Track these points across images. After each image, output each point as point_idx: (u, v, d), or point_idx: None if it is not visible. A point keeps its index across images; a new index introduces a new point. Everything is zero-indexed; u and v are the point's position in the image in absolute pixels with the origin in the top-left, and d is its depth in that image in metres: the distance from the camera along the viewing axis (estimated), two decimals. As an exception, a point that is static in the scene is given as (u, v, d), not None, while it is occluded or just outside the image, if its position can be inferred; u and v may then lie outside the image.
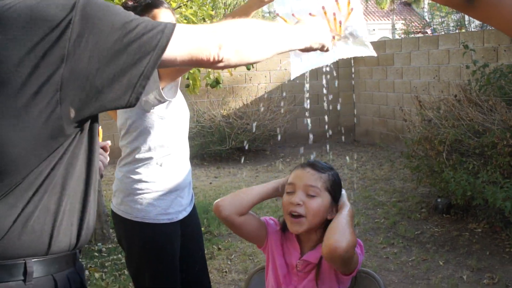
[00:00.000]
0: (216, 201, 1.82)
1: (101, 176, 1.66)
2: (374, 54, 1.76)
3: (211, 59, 1.19)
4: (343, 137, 9.61)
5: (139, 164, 2.23)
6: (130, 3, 2.17)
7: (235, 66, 1.30)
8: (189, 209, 2.36)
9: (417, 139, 5.26)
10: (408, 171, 5.89)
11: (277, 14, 1.79)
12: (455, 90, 5.74)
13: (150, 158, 2.22)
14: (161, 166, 2.24)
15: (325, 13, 1.71)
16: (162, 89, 2.10)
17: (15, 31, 1.06)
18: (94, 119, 1.21)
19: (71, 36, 1.05)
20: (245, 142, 8.25)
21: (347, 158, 8.20)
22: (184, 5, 4.14)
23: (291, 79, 1.80)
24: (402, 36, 16.53)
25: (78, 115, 1.10)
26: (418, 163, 5.24)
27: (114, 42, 1.08)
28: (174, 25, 1.16)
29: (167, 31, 1.13)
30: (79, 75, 1.06)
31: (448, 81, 7.42)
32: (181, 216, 2.30)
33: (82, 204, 1.22)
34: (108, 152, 1.73)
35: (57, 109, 1.07)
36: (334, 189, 1.74)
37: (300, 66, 1.79)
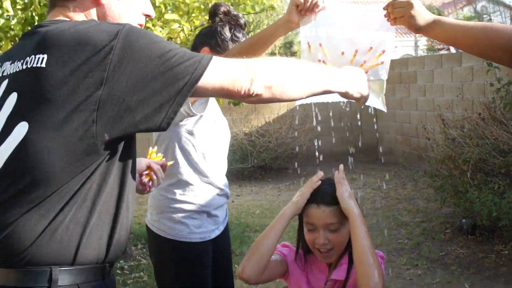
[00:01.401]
0: (239, 272, 1.76)
1: (149, 191, 1.75)
2: (384, 109, 1.85)
3: (242, 93, 1.24)
4: (365, 156, 9.55)
5: (172, 181, 2.24)
6: (221, 16, 2.28)
7: (268, 102, 1.34)
8: (222, 228, 2.38)
9: (440, 158, 5.20)
10: (432, 191, 5.81)
11: (308, 43, 1.80)
12: (479, 108, 5.68)
13: (182, 175, 2.23)
14: (193, 185, 2.24)
15: (354, 55, 1.75)
16: (192, 103, 2.12)
17: (63, 53, 1.16)
18: (130, 139, 1.27)
19: (111, 61, 1.13)
20: (267, 160, 8.25)
21: (370, 177, 8.14)
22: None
23: (296, 105, 1.83)
24: (425, 53, 16.48)
25: (111, 134, 1.16)
26: (442, 183, 5.17)
27: (152, 69, 1.15)
28: (210, 57, 1.22)
29: (203, 62, 1.20)
30: (116, 97, 1.14)
31: (472, 99, 7.33)
32: (214, 234, 2.31)
33: (113, 220, 1.26)
34: (165, 172, 1.82)
35: (92, 128, 1.14)
36: None
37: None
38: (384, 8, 1.73)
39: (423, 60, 8.77)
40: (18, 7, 3.93)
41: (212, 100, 2.36)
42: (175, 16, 3.62)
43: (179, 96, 1.18)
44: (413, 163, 8.57)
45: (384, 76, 1.83)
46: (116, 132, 1.17)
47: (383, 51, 1.79)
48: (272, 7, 4.43)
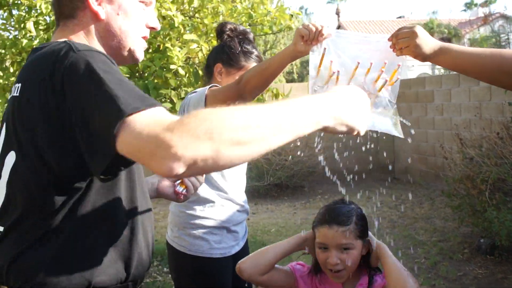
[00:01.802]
0: (239, 262, 1.85)
1: (185, 200, 1.70)
2: (402, 136, 1.77)
3: (165, 170, 0.94)
4: (381, 174, 9.51)
5: (192, 198, 2.24)
6: (228, 33, 2.33)
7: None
8: (242, 244, 2.39)
9: (458, 178, 5.17)
10: (449, 210, 5.76)
11: (337, 72, 1.78)
12: (497, 128, 5.64)
13: (201, 193, 2.25)
14: (214, 202, 2.27)
15: (368, 69, 1.74)
16: None
17: (30, 81, 1.20)
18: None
19: (61, 90, 1.12)
20: (283, 178, 8.25)
21: (386, 195, 8.09)
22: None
23: None
24: (442, 72, 16.42)
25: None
26: (460, 202, 5.13)
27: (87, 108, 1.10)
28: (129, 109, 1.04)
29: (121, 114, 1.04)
30: (73, 124, 1.11)
31: (490, 118, 7.29)
32: (234, 250, 2.33)
33: (129, 239, 1.26)
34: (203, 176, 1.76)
35: (74, 151, 1.12)
36: (363, 231, 1.77)
37: None
38: (389, 39, 1.72)
39: (440, 79, 8.76)
40: (41, 27, 4.03)
41: None
42: (193, 36, 3.68)
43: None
44: (430, 182, 8.51)
45: (391, 100, 1.81)
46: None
47: (399, 66, 1.76)
48: (290, 28, 4.48)
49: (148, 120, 0.98)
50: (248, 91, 1.97)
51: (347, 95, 1.11)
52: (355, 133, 1.11)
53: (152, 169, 0.95)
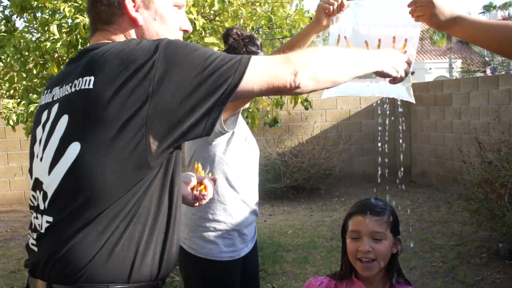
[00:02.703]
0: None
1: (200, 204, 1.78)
2: (413, 101, 1.85)
3: (288, 86, 1.27)
4: (398, 178, 9.47)
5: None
6: (234, 36, 2.37)
7: (313, 91, 1.36)
8: (250, 246, 2.41)
9: (476, 182, 5.15)
10: (467, 214, 5.74)
11: (340, 36, 1.87)
12: (517, 132, 5.60)
13: (215, 194, 2.27)
14: (225, 204, 2.29)
15: (378, 46, 1.80)
16: (225, 121, 2.18)
17: (108, 73, 1.21)
18: (177, 154, 1.31)
19: (155, 75, 1.18)
20: (300, 180, 8.26)
21: (403, 199, 8.07)
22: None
23: (321, 97, 1.88)
24: (460, 75, 16.31)
25: (161, 146, 1.21)
26: (478, 206, 5.11)
27: (195, 77, 1.20)
28: (250, 56, 1.25)
29: (243, 60, 1.24)
30: (163, 109, 1.18)
31: (509, 122, 7.24)
32: (243, 253, 2.35)
33: (164, 236, 1.30)
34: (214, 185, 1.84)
35: (142, 142, 1.19)
36: (395, 226, 1.78)
37: (335, 89, 1.85)
38: (408, 5, 1.76)
39: (459, 83, 8.71)
40: (64, 30, 4.09)
41: (241, 119, 2.42)
42: (214, 40, 3.72)
43: (223, 95, 1.22)
44: (447, 186, 8.46)
45: (408, 79, 1.85)
46: (165, 142, 1.21)
47: (406, 40, 1.81)
48: (309, 31, 4.50)
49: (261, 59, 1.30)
50: None
51: (392, 51, 1.57)
52: (398, 79, 1.55)
53: (286, 85, 1.27)
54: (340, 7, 1.87)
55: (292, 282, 4.60)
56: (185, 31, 1.47)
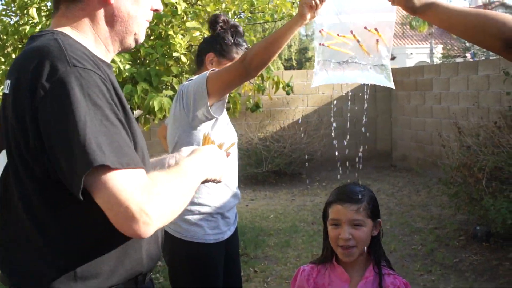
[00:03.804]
0: None
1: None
2: (393, 86, 1.88)
3: (133, 231, 1.11)
4: (379, 161, 9.56)
5: None
6: (221, 24, 2.42)
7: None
8: (233, 229, 2.45)
9: (455, 166, 5.23)
10: (446, 198, 5.83)
11: (321, 30, 1.90)
12: (495, 117, 5.69)
13: None
14: (209, 187, 2.31)
15: (354, 36, 1.84)
16: (210, 106, 2.20)
17: (17, 77, 1.20)
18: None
19: (34, 100, 1.13)
20: (281, 165, 8.30)
21: (384, 183, 8.16)
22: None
23: (311, 87, 1.91)
24: (441, 60, 16.45)
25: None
26: (457, 190, 5.19)
27: (58, 135, 1.12)
28: (108, 163, 1.10)
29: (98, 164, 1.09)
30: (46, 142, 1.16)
31: (488, 107, 7.34)
32: (226, 236, 2.39)
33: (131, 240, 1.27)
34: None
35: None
36: (374, 212, 1.82)
37: (324, 77, 1.91)
38: None
39: (439, 68, 8.79)
40: (43, 14, 4.03)
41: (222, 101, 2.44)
42: (196, 24, 3.70)
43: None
44: (427, 170, 8.58)
45: (384, 57, 1.88)
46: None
47: (376, 29, 1.85)
48: (291, 16, 4.50)
49: (125, 182, 1.09)
50: (254, 67, 2.08)
51: (209, 156, 1.47)
52: (217, 181, 1.51)
53: (117, 228, 1.11)
54: (322, 1, 1.88)
55: (274, 266, 4.65)
56: (155, 11, 1.40)
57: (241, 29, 2.50)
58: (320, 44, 1.89)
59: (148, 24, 1.40)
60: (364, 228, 1.77)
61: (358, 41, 1.85)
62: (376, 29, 1.85)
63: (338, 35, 1.88)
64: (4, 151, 1.21)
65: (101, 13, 1.28)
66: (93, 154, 1.05)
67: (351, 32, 1.86)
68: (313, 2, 1.88)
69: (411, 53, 29.08)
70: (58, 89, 1.09)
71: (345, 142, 9.56)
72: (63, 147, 1.08)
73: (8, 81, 1.22)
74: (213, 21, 2.49)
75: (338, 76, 1.90)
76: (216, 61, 2.42)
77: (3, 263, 1.26)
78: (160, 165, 1.55)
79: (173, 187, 1.20)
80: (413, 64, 23.36)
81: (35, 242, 1.18)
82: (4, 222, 1.26)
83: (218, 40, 2.43)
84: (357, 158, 8.70)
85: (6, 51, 4.29)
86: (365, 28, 1.85)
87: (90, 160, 1.05)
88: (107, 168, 1.07)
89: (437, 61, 21.06)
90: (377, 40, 1.85)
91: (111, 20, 1.30)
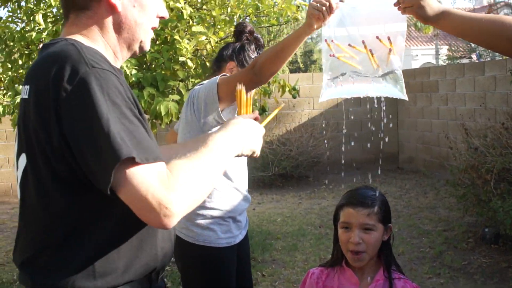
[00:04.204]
0: None
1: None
2: (406, 98, 1.84)
3: (157, 223, 1.15)
4: (386, 164, 9.54)
5: None
6: (247, 36, 2.47)
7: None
8: (244, 232, 2.46)
9: (463, 168, 5.20)
10: (454, 200, 5.80)
11: (332, 41, 1.88)
12: (502, 118, 5.65)
13: None
14: (221, 191, 2.32)
15: (365, 46, 1.81)
16: (221, 111, 2.21)
17: (36, 85, 1.24)
18: None
19: (61, 103, 1.16)
20: (288, 168, 8.28)
21: (391, 185, 8.13)
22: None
23: (319, 101, 1.89)
24: (447, 61, 16.39)
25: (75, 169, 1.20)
26: (465, 192, 5.16)
27: (86, 130, 1.14)
28: (134, 158, 1.13)
29: (125, 160, 1.12)
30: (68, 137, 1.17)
31: (495, 108, 7.31)
32: (238, 239, 2.39)
33: (150, 236, 1.31)
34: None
35: (66, 158, 1.18)
36: (385, 215, 1.81)
37: (332, 92, 1.89)
38: None
39: (445, 69, 8.76)
40: (49, 20, 4.05)
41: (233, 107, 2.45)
42: (201, 29, 3.71)
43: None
44: (434, 172, 8.55)
45: (396, 68, 1.84)
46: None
47: (389, 38, 1.82)
48: (296, 19, 4.50)
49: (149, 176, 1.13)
50: (263, 74, 2.10)
51: (244, 129, 1.46)
52: (255, 155, 1.51)
53: (144, 221, 1.15)
54: (330, 11, 1.87)
55: (281, 269, 4.64)
56: (161, 18, 1.42)
57: (262, 41, 2.52)
58: (330, 55, 1.87)
59: (152, 33, 1.43)
60: (375, 232, 1.76)
61: (370, 50, 1.82)
62: (388, 38, 1.81)
63: (349, 45, 1.86)
64: (23, 155, 1.24)
65: (109, 21, 1.31)
66: (119, 148, 1.09)
67: (363, 42, 1.83)
68: (321, 14, 1.88)
69: (417, 55, 29.02)
70: (80, 89, 1.13)
71: (352, 144, 9.55)
72: (89, 145, 1.12)
73: (27, 87, 1.24)
74: (240, 30, 2.50)
75: (347, 90, 1.87)
76: (236, 70, 2.42)
77: (24, 264, 1.27)
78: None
79: (195, 175, 1.22)
80: (418, 65, 23.30)
81: (54, 239, 1.22)
82: (23, 224, 1.30)
83: (241, 51, 2.45)
84: (363, 161, 8.69)
85: (12, 58, 4.31)
86: (377, 38, 1.82)
87: (117, 154, 1.09)
88: (131, 163, 1.11)
89: (442, 63, 20.99)
90: (390, 50, 1.81)
91: (119, 27, 1.33)
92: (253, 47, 2.46)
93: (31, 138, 1.20)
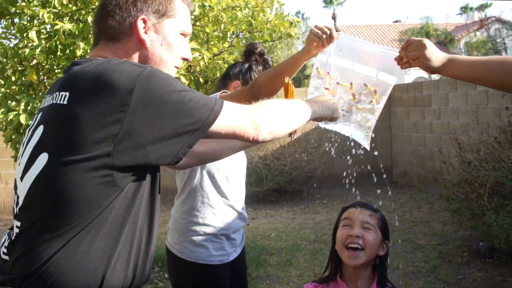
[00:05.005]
0: None
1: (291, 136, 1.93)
2: (367, 147, 1.96)
3: (250, 138, 1.39)
4: (380, 178, 9.54)
5: (194, 205, 2.32)
6: (257, 57, 2.50)
7: (268, 141, 1.49)
8: (239, 250, 2.45)
9: (457, 182, 5.21)
10: (448, 214, 5.81)
11: (317, 68, 1.92)
12: (495, 132, 5.68)
13: (206, 196, 2.32)
14: (215, 208, 2.32)
15: (351, 88, 1.89)
16: None
17: (83, 91, 1.23)
18: (154, 172, 1.32)
19: (130, 103, 1.19)
20: (282, 183, 8.27)
21: (385, 199, 8.13)
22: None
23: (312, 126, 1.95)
24: (439, 76, 16.48)
25: (127, 169, 1.23)
26: (458, 206, 5.17)
27: (168, 113, 1.22)
28: (222, 104, 1.31)
29: (216, 108, 1.29)
30: (133, 135, 1.20)
31: (488, 122, 7.35)
32: (232, 257, 2.38)
33: (138, 249, 1.30)
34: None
35: (108, 161, 1.19)
36: (384, 228, 1.85)
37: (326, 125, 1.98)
38: (399, 52, 1.76)
39: (438, 84, 8.82)
40: (43, 37, 4.05)
41: None
42: (195, 45, 3.72)
43: (191, 140, 1.26)
44: (428, 186, 8.56)
45: (370, 123, 1.93)
46: (132, 167, 1.23)
47: (375, 91, 1.87)
48: (289, 35, 4.53)
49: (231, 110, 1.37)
50: (262, 94, 2.11)
51: (326, 98, 1.78)
52: (335, 116, 1.78)
53: (243, 139, 1.39)
54: (330, 40, 1.90)
55: (276, 285, 4.61)
56: (185, 60, 1.51)
57: (271, 63, 2.54)
58: (325, 88, 1.93)
59: (176, 70, 1.51)
60: (374, 234, 1.80)
61: (353, 94, 1.90)
62: (375, 91, 1.87)
63: (338, 83, 1.91)
64: (43, 154, 1.24)
65: (136, 55, 1.40)
66: (204, 108, 1.27)
67: (351, 83, 1.89)
68: (321, 41, 1.90)
69: (409, 70, 29.21)
70: (147, 82, 1.21)
71: (347, 159, 9.55)
72: (175, 121, 1.23)
73: (65, 93, 1.26)
74: (250, 51, 2.52)
75: (339, 128, 1.98)
76: None
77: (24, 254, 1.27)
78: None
79: (277, 105, 1.49)
80: (411, 80, 23.44)
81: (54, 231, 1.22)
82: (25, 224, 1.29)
83: (247, 71, 2.47)
84: (357, 175, 8.69)
85: (5, 74, 4.31)
86: (365, 85, 1.88)
87: (207, 112, 1.26)
88: (215, 116, 1.28)
89: (435, 77, 21.14)
90: (371, 101, 1.89)
91: (145, 62, 1.40)
92: (260, 68, 2.47)
93: (57, 139, 1.23)
